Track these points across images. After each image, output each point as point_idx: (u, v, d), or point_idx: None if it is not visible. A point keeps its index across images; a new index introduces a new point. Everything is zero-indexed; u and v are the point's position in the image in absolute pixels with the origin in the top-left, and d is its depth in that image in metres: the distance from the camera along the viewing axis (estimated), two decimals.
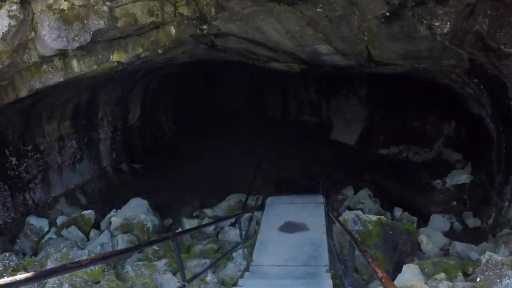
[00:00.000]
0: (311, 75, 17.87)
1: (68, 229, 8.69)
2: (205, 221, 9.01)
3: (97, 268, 5.42)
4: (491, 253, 4.32)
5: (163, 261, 6.12)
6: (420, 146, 14.80)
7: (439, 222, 9.55)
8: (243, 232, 7.43)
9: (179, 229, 8.42)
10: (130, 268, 5.59)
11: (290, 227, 8.18)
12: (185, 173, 15.17)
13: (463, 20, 5.66)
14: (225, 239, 8.00)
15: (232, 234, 7.93)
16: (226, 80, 28.45)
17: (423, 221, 9.78)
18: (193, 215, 10.45)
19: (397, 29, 5.97)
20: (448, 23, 5.71)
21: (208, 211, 10.34)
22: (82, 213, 9.31)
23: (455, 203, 10.85)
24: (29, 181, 10.61)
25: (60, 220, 9.31)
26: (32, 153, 10.74)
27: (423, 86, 13.36)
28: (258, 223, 8.76)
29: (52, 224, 9.58)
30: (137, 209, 8.98)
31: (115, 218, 8.41)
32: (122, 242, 7.57)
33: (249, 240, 7.95)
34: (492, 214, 9.12)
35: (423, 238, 7.34)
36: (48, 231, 9.33)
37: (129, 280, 5.39)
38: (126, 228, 8.13)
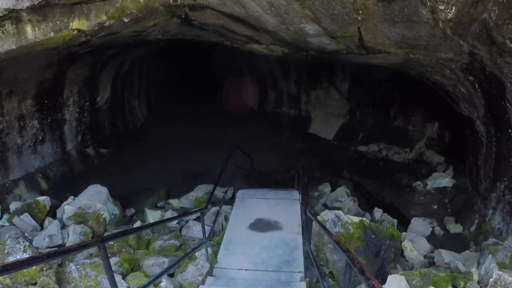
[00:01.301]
0: (293, 65, 17.31)
1: (20, 216, 7.79)
2: (168, 213, 8.09)
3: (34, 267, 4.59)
4: (500, 272, 3.72)
5: (113, 259, 5.28)
6: (401, 146, 14.41)
7: (420, 226, 9.09)
8: (209, 228, 6.61)
9: (137, 222, 7.51)
10: (73, 268, 4.79)
11: (261, 225, 7.33)
12: (154, 160, 14.46)
13: (471, 5, 5.01)
14: (189, 235, 7.13)
15: (197, 230, 7.01)
16: (204, 66, 27.84)
17: (403, 223, 9.32)
18: (158, 205, 9.62)
19: (397, 10, 5.27)
20: (454, 8, 5.04)
21: (173, 202, 9.52)
22: (37, 199, 8.40)
23: (436, 206, 10.49)
24: None
25: (13, 206, 8.39)
26: None
27: (409, 84, 13.02)
28: (226, 219, 7.94)
29: (6, 210, 8.65)
30: (95, 197, 8.10)
31: (69, 207, 7.49)
32: (73, 234, 6.68)
33: (215, 237, 7.17)
34: (475, 221, 8.75)
35: (407, 245, 6.74)
36: (0, 218, 8.44)
37: (71, 282, 4.60)
38: (80, 218, 7.24)
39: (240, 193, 9.14)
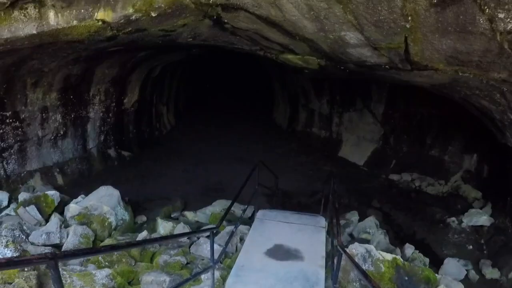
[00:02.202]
0: (326, 83, 16.72)
1: (26, 208, 7.37)
2: (179, 227, 7.33)
3: None
4: None
5: (106, 271, 4.68)
6: (435, 177, 13.42)
7: (454, 267, 8.25)
8: (220, 249, 5.88)
9: (143, 233, 6.83)
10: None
11: (280, 253, 6.45)
12: (175, 169, 14.05)
13: None
14: (198, 253, 6.42)
15: (207, 249, 6.14)
16: (236, 81, 27.70)
17: (435, 263, 8.45)
18: (172, 216, 9.05)
19: (451, 17, 4.61)
20: None
21: (189, 215, 8.91)
22: (46, 192, 8.00)
23: (471, 247, 9.59)
24: (4, 149, 9.79)
25: (21, 196, 8.02)
26: (10, 120, 9.84)
27: (447, 110, 12.37)
28: (242, 240, 7.16)
29: (16, 200, 8.33)
30: (105, 199, 7.61)
31: (74, 205, 6.98)
32: (74, 235, 6.13)
33: (226, 259, 6.44)
34: None
35: None
36: (7, 206, 8.12)
37: None
38: (84, 218, 6.72)
39: (260, 213, 8.33)
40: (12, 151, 10.03)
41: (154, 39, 8.31)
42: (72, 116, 11.93)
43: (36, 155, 10.90)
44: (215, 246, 5.95)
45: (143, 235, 6.31)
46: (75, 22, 6.31)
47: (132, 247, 5.24)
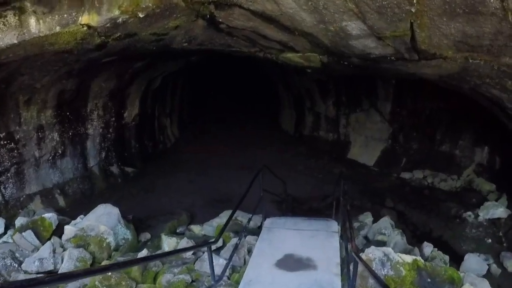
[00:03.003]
0: (331, 84, 16.33)
1: (23, 233, 6.97)
2: (183, 242, 6.79)
3: None
4: None
5: None
6: (447, 173, 13.08)
7: (475, 263, 7.85)
8: (225, 263, 5.43)
9: (143, 252, 6.28)
10: None
11: (291, 263, 5.94)
12: (181, 182, 13.66)
13: None
14: (203, 269, 5.85)
15: (214, 264, 5.84)
16: (240, 87, 27.36)
17: (454, 260, 8.04)
18: (177, 231, 8.60)
19: None
20: None
21: (195, 228, 8.45)
22: (43, 216, 7.58)
23: (490, 240, 9.24)
24: (0, 173, 9.40)
25: (19, 221, 7.61)
26: (4, 142, 9.46)
27: (456, 104, 12.05)
28: (250, 252, 6.59)
29: (14, 225, 7.92)
30: (103, 218, 7.19)
31: (69, 227, 6.55)
32: (69, 259, 5.71)
33: (234, 274, 5.89)
34: None
35: None
36: (4, 233, 7.71)
37: None
38: (80, 240, 6.29)
39: (268, 222, 7.85)
40: (9, 174, 9.63)
41: (146, 45, 7.96)
42: (70, 133, 11.56)
43: (35, 177, 10.49)
44: (221, 260, 5.53)
45: (143, 253, 5.85)
46: (58, 29, 5.97)
47: (111, 270, 4.59)
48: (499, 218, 9.61)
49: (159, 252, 7.03)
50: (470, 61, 5.73)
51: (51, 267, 5.66)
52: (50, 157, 10.94)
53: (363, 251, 5.55)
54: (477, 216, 9.93)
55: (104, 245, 6.31)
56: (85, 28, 6.05)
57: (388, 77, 10.30)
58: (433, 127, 13.65)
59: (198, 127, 22.93)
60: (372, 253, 5.17)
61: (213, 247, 5.82)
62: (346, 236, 5.75)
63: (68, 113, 11.31)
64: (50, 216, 7.56)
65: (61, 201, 11.08)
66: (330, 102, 17.34)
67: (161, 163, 15.84)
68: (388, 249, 5.30)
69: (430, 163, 13.68)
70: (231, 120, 24.86)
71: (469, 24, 4.75)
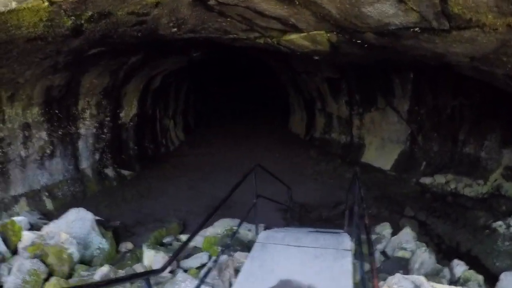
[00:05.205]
0: (344, 82, 15.22)
1: None
2: (157, 258, 5.55)
3: None
4: None
5: None
6: (472, 177, 11.83)
7: None
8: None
9: (101, 272, 4.87)
10: None
11: None
12: (180, 187, 12.78)
13: None
14: None
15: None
16: (249, 89, 26.48)
17: (488, 279, 6.67)
18: (164, 241, 7.51)
19: None
20: None
21: (184, 238, 7.35)
22: (13, 219, 6.64)
23: None
24: None
25: None
26: None
27: (481, 101, 11.16)
28: (239, 272, 5.20)
29: None
30: (76, 224, 6.17)
31: (28, 233, 5.47)
32: (17, 272, 4.65)
33: None
34: None
35: None
36: None
37: None
38: (38, 249, 5.26)
39: (262, 235, 6.34)
40: None
41: (129, 30, 6.99)
42: (60, 133, 10.77)
43: (21, 178, 9.78)
44: (196, 283, 4.36)
45: (103, 271, 4.70)
46: (14, 4, 5.00)
47: None
48: None
49: (138, 265, 5.98)
50: None
51: None
52: (38, 157, 10.20)
53: (384, 278, 4.26)
54: (509, 226, 8.83)
55: (64, 256, 5.24)
56: (46, 3, 5.08)
57: (408, 64, 9.01)
58: (456, 126, 12.46)
59: (204, 130, 22.11)
60: (398, 284, 3.87)
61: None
62: (361, 256, 4.49)
63: (57, 111, 10.55)
64: (21, 220, 6.65)
65: (49, 204, 10.35)
66: (342, 102, 16.21)
67: (162, 167, 14.93)
68: (420, 278, 4.03)
69: (453, 166, 12.51)
70: (238, 123, 24.04)
71: None
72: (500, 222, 9.02)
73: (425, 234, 9.29)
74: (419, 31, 4.91)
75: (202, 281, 4.02)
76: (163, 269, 3.40)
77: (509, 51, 5.18)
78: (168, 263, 3.44)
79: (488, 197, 10.94)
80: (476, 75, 7.20)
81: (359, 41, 5.96)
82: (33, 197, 9.97)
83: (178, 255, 3.75)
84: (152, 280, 4.99)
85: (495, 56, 5.53)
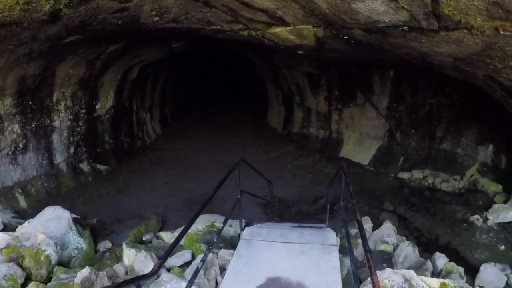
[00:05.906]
0: (323, 78, 15.20)
1: None
2: (139, 257, 5.27)
3: None
4: None
5: None
6: (449, 173, 12.18)
7: (492, 274, 6.85)
8: None
9: (82, 275, 4.52)
10: None
11: None
12: (157, 182, 12.50)
13: None
14: None
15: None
16: (228, 83, 26.35)
17: (468, 271, 6.98)
18: (144, 239, 7.31)
19: None
20: None
21: (165, 236, 7.12)
22: None
23: (503, 247, 8.37)
24: None
25: None
26: None
27: (459, 99, 11.52)
28: (225, 270, 5.06)
29: None
30: (52, 223, 5.91)
31: (2, 234, 5.18)
32: None
33: None
34: None
35: None
36: None
37: None
38: (13, 252, 5.00)
39: (247, 232, 6.13)
40: None
41: (109, 17, 6.73)
42: (33, 125, 10.29)
43: None
44: (183, 284, 4.20)
45: (83, 273, 4.45)
46: None
47: None
48: (510, 222, 8.81)
49: (118, 265, 5.77)
50: (501, 33, 4.59)
51: None
52: (10, 152, 9.71)
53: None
54: (486, 219, 9.15)
55: (42, 258, 4.98)
56: None
57: (392, 62, 9.04)
58: (433, 124, 12.73)
59: (181, 123, 21.79)
60: (389, 278, 3.84)
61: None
62: (349, 250, 4.45)
63: (30, 103, 10.07)
64: None
65: (22, 202, 9.88)
66: (321, 97, 16.21)
67: (138, 161, 14.64)
68: (410, 273, 4.00)
69: (430, 162, 12.83)
70: (217, 116, 23.81)
71: None
72: (477, 216, 9.30)
73: (404, 228, 9.43)
74: (407, 29, 4.87)
75: (191, 282, 3.84)
76: (153, 273, 3.24)
77: (493, 54, 5.21)
78: (158, 266, 3.27)
79: (465, 192, 11.24)
80: (457, 75, 7.25)
81: (346, 37, 5.87)
82: (5, 195, 9.49)
83: (166, 258, 3.57)
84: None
85: (478, 58, 5.57)
